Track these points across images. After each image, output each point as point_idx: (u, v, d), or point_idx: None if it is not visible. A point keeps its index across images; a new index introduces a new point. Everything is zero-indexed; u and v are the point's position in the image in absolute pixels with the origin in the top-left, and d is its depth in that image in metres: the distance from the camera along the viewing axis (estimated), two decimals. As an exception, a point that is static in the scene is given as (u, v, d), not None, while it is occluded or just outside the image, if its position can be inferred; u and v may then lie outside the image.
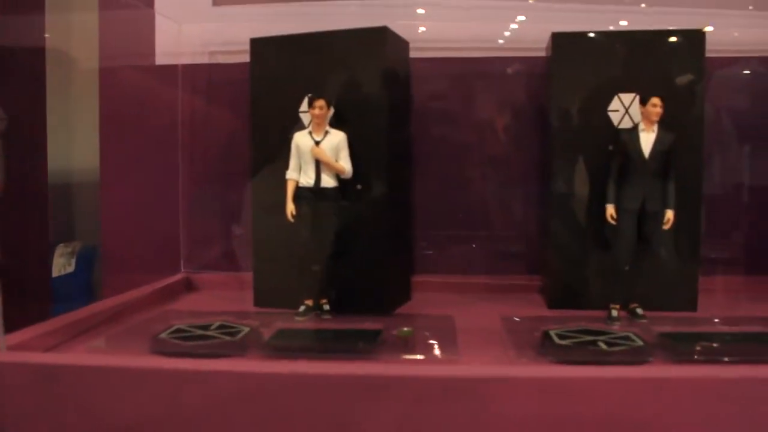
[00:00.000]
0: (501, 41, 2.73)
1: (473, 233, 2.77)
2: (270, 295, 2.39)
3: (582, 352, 1.75)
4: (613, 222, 2.18)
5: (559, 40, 2.33)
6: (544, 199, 2.46)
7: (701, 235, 2.32)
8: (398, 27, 2.44)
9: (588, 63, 2.32)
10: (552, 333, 1.89)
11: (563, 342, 1.82)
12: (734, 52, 2.68)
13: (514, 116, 2.70)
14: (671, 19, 2.56)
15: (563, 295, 2.35)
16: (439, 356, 1.72)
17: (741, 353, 1.72)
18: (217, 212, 2.75)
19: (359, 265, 2.28)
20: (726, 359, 1.67)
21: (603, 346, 1.79)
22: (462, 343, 1.86)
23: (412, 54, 2.64)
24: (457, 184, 2.76)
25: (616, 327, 2.01)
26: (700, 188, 2.29)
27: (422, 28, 2.72)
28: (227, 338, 1.90)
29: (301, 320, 2.18)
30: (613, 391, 1.56)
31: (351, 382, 1.58)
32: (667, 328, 1.97)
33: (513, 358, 1.71)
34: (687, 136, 2.25)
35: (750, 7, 2.70)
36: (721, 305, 2.38)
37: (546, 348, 1.78)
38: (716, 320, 2.10)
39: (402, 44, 2.44)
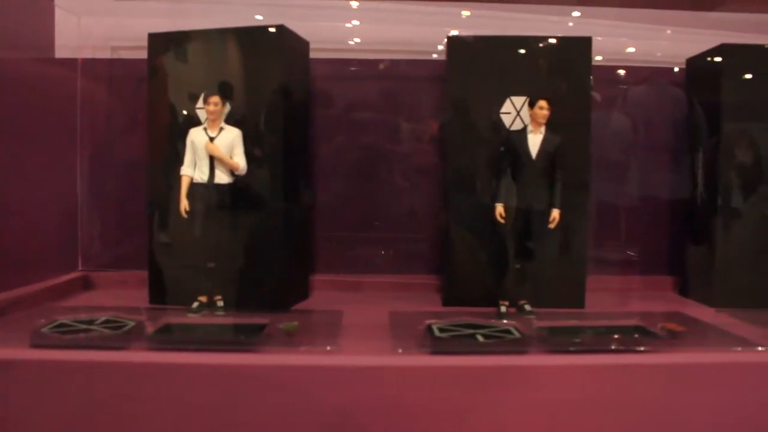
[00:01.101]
0: (409, 44, 2.79)
1: (378, 234, 2.82)
2: (166, 292, 2.39)
3: (457, 343, 1.82)
4: (501, 221, 2.26)
5: (454, 43, 2.42)
6: (441, 199, 2.53)
7: (588, 234, 2.42)
8: (303, 27, 2.49)
9: (482, 66, 2.41)
10: (434, 327, 1.95)
11: (442, 335, 1.89)
12: (627, 61, 2.82)
13: (418, 118, 2.76)
14: (587, 30, 2.68)
15: (457, 292, 2.42)
16: (319, 348, 1.76)
17: (611, 344, 1.81)
18: (118, 209, 2.73)
19: (254, 261, 2.31)
20: (596, 349, 1.76)
21: (480, 338, 1.86)
22: (345, 336, 1.91)
23: (318, 54, 2.68)
24: (362, 185, 2.80)
25: (504, 322, 2.07)
26: (588, 189, 2.40)
27: (328, 29, 2.77)
28: (109, 332, 1.90)
29: (193, 316, 2.19)
30: (482, 379, 1.63)
31: (224, 372, 1.61)
32: (547, 323, 2.05)
33: (390, 349, 1.76)
34: (575, 138, 2.35)
35: (660, 26, 2.85)
36: (608, 302, 2.50)
37: (424, 340, 1.84)
38: (597, 315, 2.20)
39: (302, 44, 2.48)
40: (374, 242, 2.85)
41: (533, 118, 2.26)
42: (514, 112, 2.39)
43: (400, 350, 1.75)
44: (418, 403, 1.62)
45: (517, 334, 1.91)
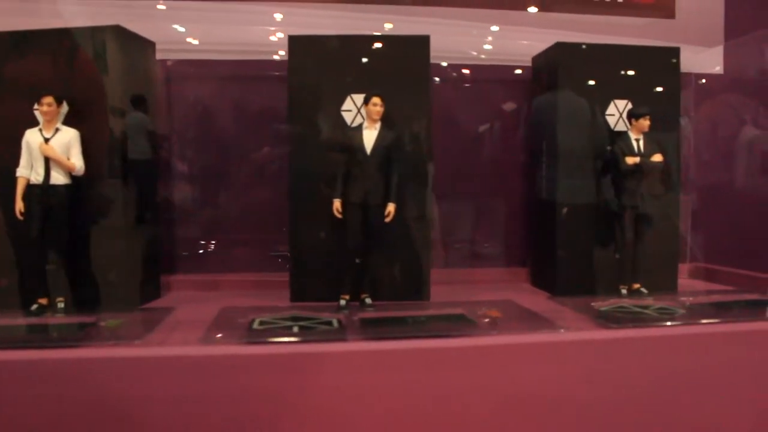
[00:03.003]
0: (265, 45, 2.84)
1: (240, 234, 2.86)
2: (7, 295, 2.38)
3: (268, 334, 1.87)
4: (338, 216, 2.33)
5: (294, 42, 2.48)
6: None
7: (431, 228, 2.51)
8: (163, 29, 2.56)
9: (324, 65, 2.47)
10: (256, 320, 2.00)
11: (259, 327, 1.94)
12: (478, 60, 2.93)
13: (271, 117, 2.81)
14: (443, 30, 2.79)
15: (303, 288, 2.47)
16: (126, 341, 1.79)
17: (421, 331, 1.90)
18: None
19: (96, 262, 2.33)
20: (403, 336, 1.83)
21: (295, 329, 1.92)
22: (162, 330, 1.95)
23: (173, 55, 2.72)
24: (219, 185, 2.84)
25: (330, 315, 2.13)
26: (428, 184, 2.48)
27: (186, 31, 2.80)
28: None
29: (28, 318, 2.20)
30: (287, 365, 1.68)
31: (33, 367, 1.63)
32: (374, 314, 2.13)
33: (198, 341, 1.81)
34: (415, 134, 2.44)
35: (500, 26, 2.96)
36: (460, 294, 2.59)
37: (235, 332, 1.89)
38: (430, 306, 2.29)
39: (145, 44, 2.51)
40: (236, 242, 2.89)
41: (368, 115, 2.34)
42: (354, 109, 2.46)
43: (209, 342, 1.79)
44: (220, 391, 1.66)
45: (335, 325, 1.97)
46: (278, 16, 2.85)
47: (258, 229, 2.91)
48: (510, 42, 2.97)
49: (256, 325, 1.96)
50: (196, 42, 2.84)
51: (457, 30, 2.89)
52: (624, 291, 2.53)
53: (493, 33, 2.94)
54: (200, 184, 2.88)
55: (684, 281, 2.88)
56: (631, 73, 2.63)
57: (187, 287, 2.73)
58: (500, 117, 3.01)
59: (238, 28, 2.85)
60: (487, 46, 2.97)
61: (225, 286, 2.75)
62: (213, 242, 2.91)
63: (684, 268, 3.09)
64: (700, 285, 2.90)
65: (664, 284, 2.67)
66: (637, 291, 2.55)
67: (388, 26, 2.78)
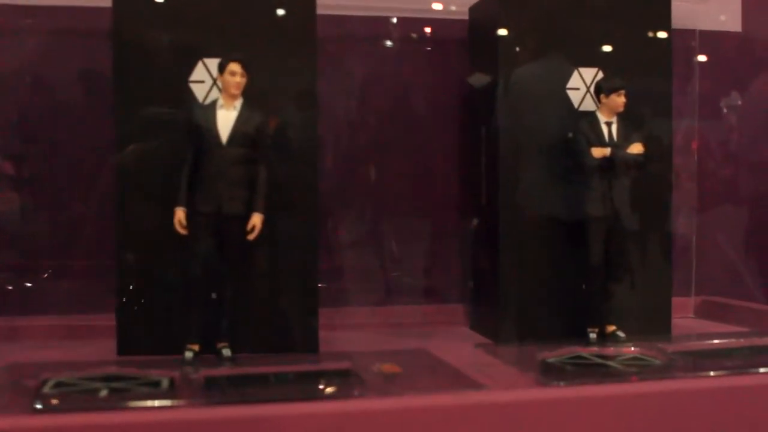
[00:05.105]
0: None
1: (54, 260, 2.88)
2: None
3: (60, 400, 1.90)
4: (183, 231, 2.36)
5: (120, -4, 2.47)
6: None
7: (317, 248, 2.54)
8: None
9: (164, 18, 2.51)
10: (50, 381, 2.03)
11: (52, 391, 1.97)
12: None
13: (98, 93, 2.83)
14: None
15: (136, 334, 2.50)
16: None
17: (288, 392, 1.97)
18: None
19: None
20: (261, 400, 1.87)
21: (103, 393, 1.95)
22: None
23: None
24: (25, 192, 2.88)
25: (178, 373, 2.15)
26: (314, 186, 2.54)
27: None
28: None
29: None
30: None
31: None
32: (227, 371, 2.19)
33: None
34: (294, 115, 2.49)
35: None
36: (359, 342, 2.67)
37: (17, 399, 1.91)
38: (307, 361, 2.33)
39: None
40: (50, 273, 2.89)
41: (224, 88, 2.38)
42: (208, 80, 2.49)
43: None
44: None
45: (164, 386, 2.01)
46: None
47: (83, 254, 2.91)
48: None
49: (47, 389, 1.99)
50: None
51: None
52: (593, 335, 2.62)
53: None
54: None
55: (682, 322, 2.98)
56: (601, 30, 2.70)
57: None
58: (429, 93, 3.06)
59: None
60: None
61: (29, 335, 2.76)
62: (13, 274, 2.90)
63: (689, 302, 3.19)
64: (706, 326, 2.99)
65: (655, 325, 2.75)
66: (613, 335, 2.62)
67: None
